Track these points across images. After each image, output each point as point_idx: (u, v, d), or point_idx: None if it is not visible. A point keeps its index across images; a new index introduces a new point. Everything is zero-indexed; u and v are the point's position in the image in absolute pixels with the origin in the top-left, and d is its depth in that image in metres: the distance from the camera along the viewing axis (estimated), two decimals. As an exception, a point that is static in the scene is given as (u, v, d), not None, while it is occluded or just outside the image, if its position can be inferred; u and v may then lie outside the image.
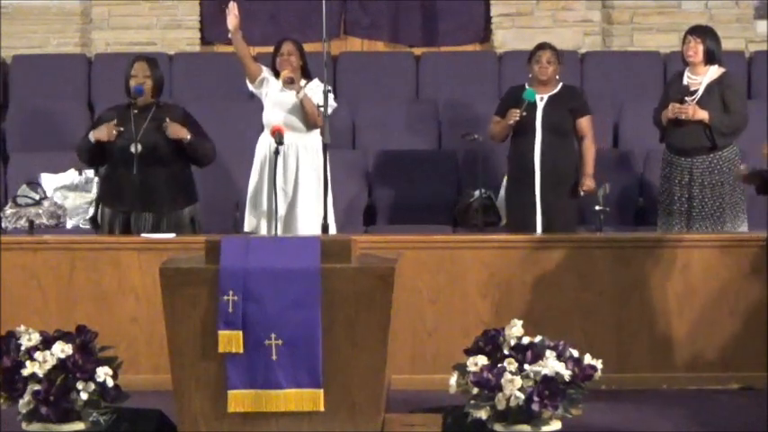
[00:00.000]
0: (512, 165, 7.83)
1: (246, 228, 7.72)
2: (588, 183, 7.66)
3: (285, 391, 4.95)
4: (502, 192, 8.20)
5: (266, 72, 7.78)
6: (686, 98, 7.43)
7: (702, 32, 7.56)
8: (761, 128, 8.38)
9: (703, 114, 7.34)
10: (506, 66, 9.49)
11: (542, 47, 7.81)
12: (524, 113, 7.56)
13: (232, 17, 7.71)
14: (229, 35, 7.80)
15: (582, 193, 7.66)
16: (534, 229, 7.50)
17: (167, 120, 7.08)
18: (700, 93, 7.46)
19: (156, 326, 5.86)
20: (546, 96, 7.69)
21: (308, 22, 9.32)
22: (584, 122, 7.76)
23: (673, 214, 7.51)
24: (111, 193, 7.17)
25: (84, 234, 8.06)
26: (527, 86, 7.72)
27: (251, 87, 7.88)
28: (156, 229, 7.04)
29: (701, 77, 7.50)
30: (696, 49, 7.49)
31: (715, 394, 6.41)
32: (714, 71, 7.51)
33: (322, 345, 4.93)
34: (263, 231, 7.54)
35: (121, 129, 7.06)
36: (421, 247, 6.59)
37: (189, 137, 7.10)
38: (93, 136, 7.09)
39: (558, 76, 7.75)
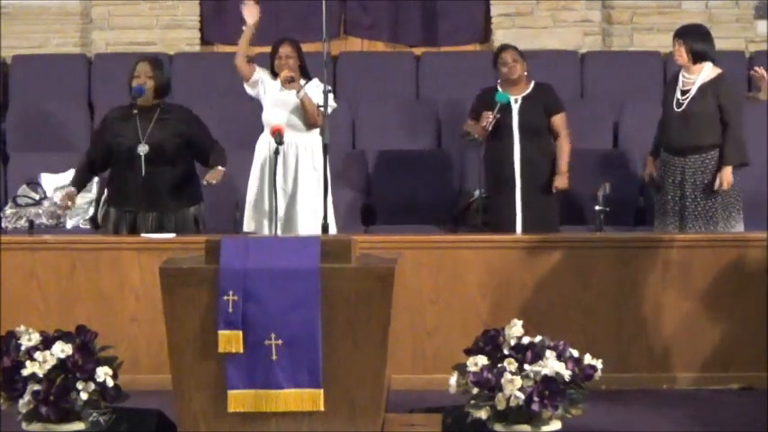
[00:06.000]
0: (489, 167, 7.84)
1: (246, 227, 7.72)
2: (562, 181, 7.69)
3: (285, 391, 4.95)
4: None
5: (260, 72, 7.77)
6: (680, 98, 7.43)
7: (683, 34, 7.54)
8: (761, 128, 8.39)
9: (729, 178, 7.33)
10: (506, 66, 9.47)
11: (503, 48, 7.88)
12: (498, 116, 7.57)
13: (254, 10, 7.70)
14: (243, 27, 7.77)
15: (554, 191, 7.67)
16: (514, 230, 7.51)
17: (210, 178, 7.00)
18: (692, 92, 7.44)
19: (156, 326, 5.85)
20: (520, 98, 7.72)
21: (308, 23, 9.31)
22: (559, 119, 7.80)
23: (667, 213, 7.51)
24: (118, 194, 7.15)
25: (84, 234, 8.05)
26: (499, 88, 7.73)
27: (247, 89, 7.87)
28: (161, 228, 7.02)
29: (695, 77, 7.49)
30: (680, 52, 7.50)
31: (715, 394, 6.41)
32: (709, 70, 7.48)
33: (322, 345, 4.93)
34: (263, 231, 7.54)
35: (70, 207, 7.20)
36: (421, 247, 6.59)
37: (221, 171, 7.05)
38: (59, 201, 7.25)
39: (526, 73, 7.76)
